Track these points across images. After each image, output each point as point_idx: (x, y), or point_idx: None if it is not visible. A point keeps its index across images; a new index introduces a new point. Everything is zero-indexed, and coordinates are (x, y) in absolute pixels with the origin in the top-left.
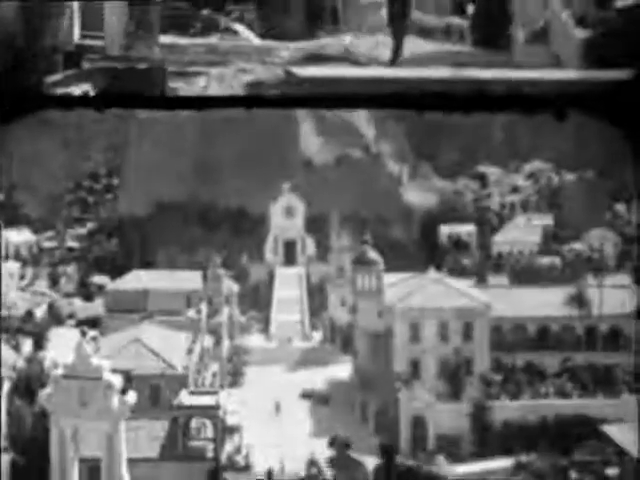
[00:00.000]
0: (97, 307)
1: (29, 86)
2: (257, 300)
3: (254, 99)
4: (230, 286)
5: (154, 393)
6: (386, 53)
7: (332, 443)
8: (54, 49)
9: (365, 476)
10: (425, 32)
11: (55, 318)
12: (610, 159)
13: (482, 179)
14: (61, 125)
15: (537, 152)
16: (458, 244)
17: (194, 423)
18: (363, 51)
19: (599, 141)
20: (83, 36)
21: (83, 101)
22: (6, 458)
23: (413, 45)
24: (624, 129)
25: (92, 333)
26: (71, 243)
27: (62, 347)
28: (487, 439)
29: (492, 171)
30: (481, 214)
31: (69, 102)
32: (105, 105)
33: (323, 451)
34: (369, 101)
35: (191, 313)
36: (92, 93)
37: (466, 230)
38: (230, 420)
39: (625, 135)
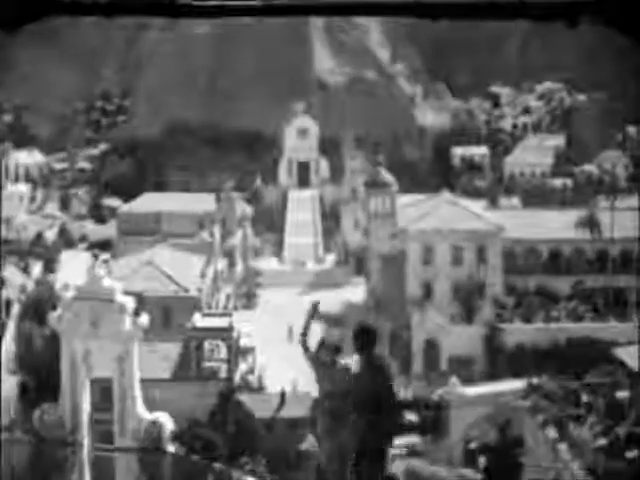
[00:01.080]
0: (109, 230)
1: None
2: (271, 223)
3: (269, 7)
4: (243, 208)
5: (167, 315)
6: None
7: (321, 345)
8: None
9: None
10: None
11: (66, 241)
12: (622, 81)
13: (495, 99)
14: (72, 45)
15: (549, 72)
16: (471, 165)
17: (207, 345)
18: None
19: (611, 62)
20: None
21: (93, 8)
22: (16, 380)
23: None
24: (636, 38)
25: (104, 256)
26: (82, 164)
27: (73, 270)
28: (499, 361)
29: (505, 91)
30: (494, 135)
31: (78, 8)
32: (116, 12)
33: None
34: (383, 8)
35: (204, 235)
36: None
37: (479, 152)
38: (243, 342)
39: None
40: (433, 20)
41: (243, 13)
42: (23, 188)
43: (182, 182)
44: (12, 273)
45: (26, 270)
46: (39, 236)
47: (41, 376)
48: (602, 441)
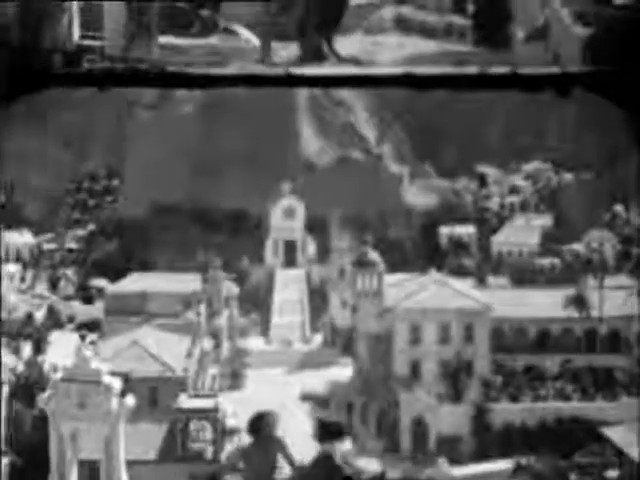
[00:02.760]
0: (96, 310)
1: (33, 64)
2: (257, 302)
3: (257, 77)
4: (230, 288)
5: (153, 396)
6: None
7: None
8: (53, 49)
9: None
10: (426, 31)
11: (55, 321)
12: (609, 159)
13: (481, 179)
14: (60, 125)
15: (535, 152)
16: (458, 245)
17: (193, 426)
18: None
19: (597, 142)
20: (82, 36)
21: (87, 79)
22: (5, 461)
23: (414, 45)
24: (628, 109)
25: (91, 336)
26: (71, 245)
27: (62, 350)
28: (487, 441)
29: (491, 171)
30: (481, 215)
31: (72, 79)
32: (109, 83)
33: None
34: (371, 81)
35: (190, 315)
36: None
37: (466, 231)
38: (229, 422)
39: (629, 117)
40: (424, 91)
41: (232, 83)
42: (13, 268)
43: (168, 261)
44: (2, 354)
45: (16, 351)
46: (29, 316)
47: (30, 457)
48: None
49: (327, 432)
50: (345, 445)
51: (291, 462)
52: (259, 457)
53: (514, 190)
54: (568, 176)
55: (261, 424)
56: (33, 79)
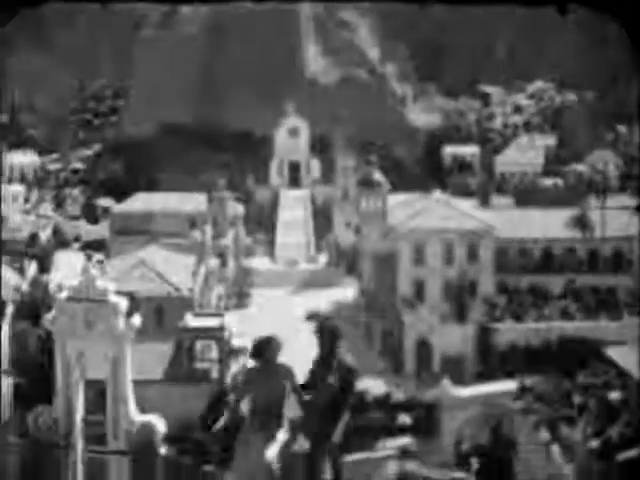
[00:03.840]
0: (102, 230)
1: None
2: (262, 222)
3: None
4: (235, 208)
5: (159, 315)
6: None
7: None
8: None
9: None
10: None
11: (60, 241)
12: (610, 79)
13: (485, 99)
14: (65, 46)
15: (539, 71)
16: (462, 165)
17: (199, 345)
18: None
19: (599, 61)
20: None
21: None
22: (10, 381)
23: None
24: (626, 20)
25: (97, 256)
26: (76, 165)
27: (67, 270)
28: (491, 361)
29: (495, 91)
30: (484, 134)
31: None
32: None
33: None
34: None
35: (196, 235)
36: None
37: (470, 151)
38: (235, 342)
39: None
40: (423, 4)
41: None
42: (18, 188)
43: (174, 181)
44: (6, 274)
45: (21, 270)
46: (33, 236)
47: (35, 377)
48: (594, 443)
49: (326, 335)
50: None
51: (296, 390)
52: (263, 382)
53: (517, 110)
54: (571, 96)
55: (264, 349)
56: None
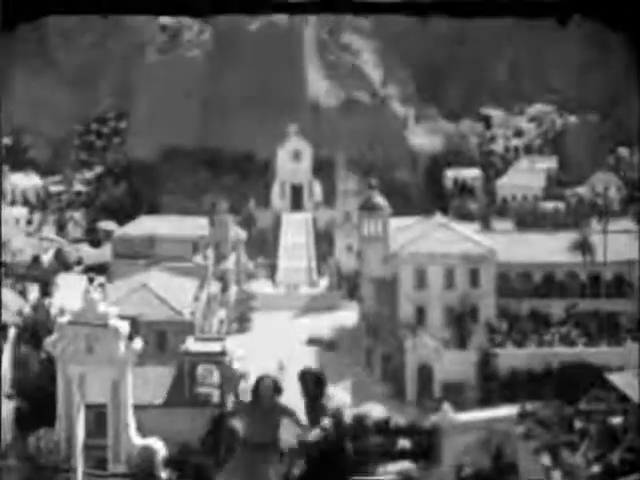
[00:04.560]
0: (104, 253)
1: None
2: (264, 246)
3: (258, 2)
4: (237, 232)
5: (160, 339)
6: None
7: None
8: None
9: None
10: None
11: (62, 264)
12: (612, 101)
13: (486, 121)
14: (68, 68)
15: (539, 94)
16: (463, 188)
17: (200, 369)
18: None
19: (601, 83)
20: None
21: (91, 5)
22: (11, 404)
23: None
24: (629, 33)
25: (99, 279)
26: (78, 187)
27: (69, 293)
28: (492, 387)
29: (496, 113)
30: (486, 157)
31: (75, 4)
32: (111, 10)
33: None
34: (376, 6)
35: (198, 259)
36: None
37: (471, 174)
38: (236, 366)
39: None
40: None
41: (237, 10)
42: (20, 211)
43: (176, 205)
44: (9, 296)
45: (23, 293)
46: (36, 259)
47: (37, 401)
48: (596, 468)
49: (312, 382)
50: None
51: (299, 424)
52: (258, 420)
53: (519, 133)
54: (572, 118)
55: (257, 387)
56: (32, 3)
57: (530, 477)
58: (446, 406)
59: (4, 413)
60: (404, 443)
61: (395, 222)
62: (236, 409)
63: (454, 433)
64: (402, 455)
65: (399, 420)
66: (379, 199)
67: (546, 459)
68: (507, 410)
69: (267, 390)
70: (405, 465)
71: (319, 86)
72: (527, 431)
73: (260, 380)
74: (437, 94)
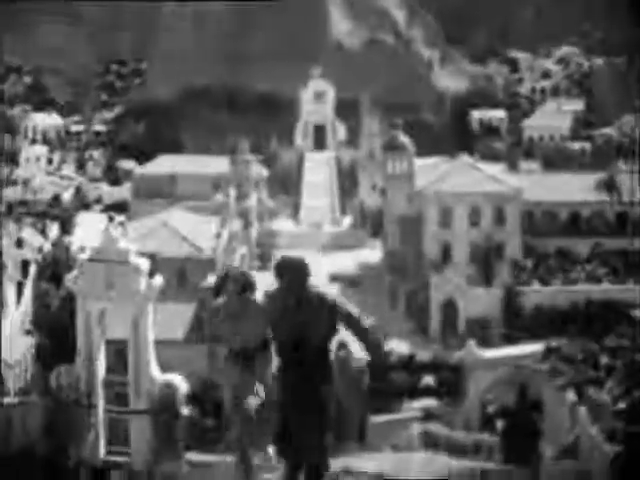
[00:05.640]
0: (124, 192)
1: None
2: (286, 185)
3: None
4: (259, 171)
5: (181, 276)
6: None
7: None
8: (79, 464)
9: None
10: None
11: (82, 202)
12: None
13: (513, 64)
14: (89, 9)
15: (566, 36)
16: (489, 129)
17: None
18: None
19: (629, 24)
20: (109, 452)
21: None
22: (32, 341)
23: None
24: None
25: (119, 218)
26: (98, 127)
27: (89, 231)
28: (517, 324)
29: (523, 56)
30: (512, 99)
31: None
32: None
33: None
34: None
35: (219, 197)
36: None
37: (497, 115)
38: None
39: None
40: None
41: None
42: (41, 150)
43: (197, 144)
44: (29, 234)
45: (43, 231)
46: (56, 198)
47: (57, 337)
48: (621, 404)
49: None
50: None
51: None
52: (232, 321)
53: (545, 75)
54: (599, 61)
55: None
56: None
57: (555, 414)
58: (471, 342)
59: (25, 350)
60: (428, 380)
61: (420, 162)
62: (210, 313)
63: (479, 370)
64: (426, 392)
65: (423, 356)
66: (403, 138)
67: (572, 396)
68: (532, 347)
69: (235, 283)
70: (429, 402)
71: (342, 27)
72: (552, 368)
73: (227, 274)
74: (463, 37)
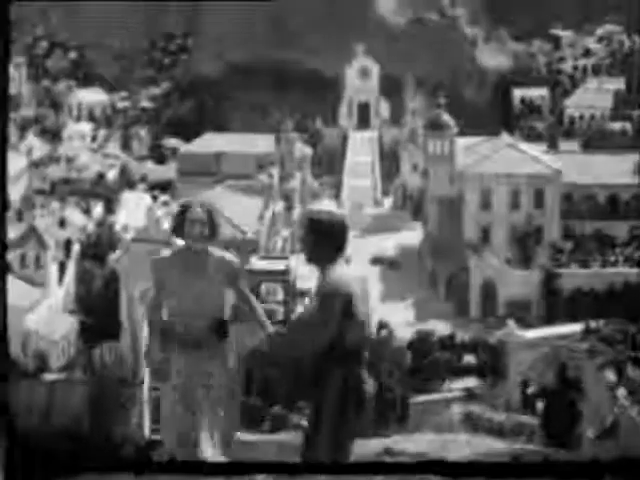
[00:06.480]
0: (169, 170)
1: None
2: (330, 165)
3: None
4: (303, 150)
5: None
6: None
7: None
8: (123, 443)
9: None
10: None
11: (126, 181)
12: None
13: (555, 42)
14: None
15: (609, 14)
16: (531, 108)
17: (264, 287)
18: None
19: None
20: (153, 430)
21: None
22: (76, 319)
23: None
24: None
25: (163, 197)
26: (144, 104)
27: (133, 211)
28: (556, 305)
29: (565, 34)
30: (554, 77)
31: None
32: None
33: (393, 314)
34: None
35: (263, 177)
36: None
37: (539, 93)
38: (300, 284)
39: None
40: None
41: None
42: (85, 127)
43: (242, 122)
44: (73, 213)
45: (87, 211)
46: (100, 176)
47: (100, 316)
48: None
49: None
50: None
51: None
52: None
53: (587, 53)
54: (639, 39)
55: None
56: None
57: (595, 393)
58: (511, 323)
59: (69, 328)
60: (469, 359)
61: (461, 141)
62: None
63: (519, 350)
64: (467, 371)
65: (464, 336)
66: (446, 117)
67: (611, 375)
68: (571, 327)
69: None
70: (471, 381)
71: (387, 4)
72: (591, 348)
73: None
74: (506, 15)
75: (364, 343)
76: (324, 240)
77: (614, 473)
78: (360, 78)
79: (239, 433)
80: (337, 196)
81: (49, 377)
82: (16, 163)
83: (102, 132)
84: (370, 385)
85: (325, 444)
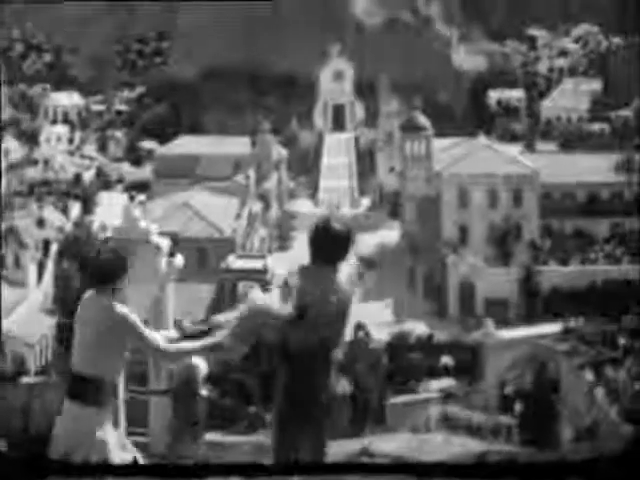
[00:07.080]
0: (146, 172)
1: None
2: (306, 166)
3: None
4: (279, 151)
5: (202, 256)
6: None
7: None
8: None
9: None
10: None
11: (103, 182)
12: None
13: (531, 42)
14: None
15: (585, 15)
16: (507, 109)
17: (241, 286)
18: None
19: None
20: (128, 433)
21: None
22: (53, 321)
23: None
24: None
25: (140, 198)
26: (120, 107)
27: (110, 211)
28: (535, 304)
29: (541, 34)
30: (530, 78)
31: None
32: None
33: (371, 315)
34: None
35: (239, 178)
36: None
37: (515, 95)
38: (277, 283)
39: None
40: None
41: None
42: (62, 129)
43: (218, 125)
44: (51, 214)
45: (65, 211)
46: (77, 177)
47: None
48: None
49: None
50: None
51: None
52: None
53: (563, 53)
54: (617, 40)
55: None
56: None
57: (573, 394)
58: (489, 322)
59: (46, 329)
60: (447, 360)
61: (438, 143)
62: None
63: (497, 350)
64: (445, 372)
65: (441, 337)
66: (422, 119)
67: (590, 375)
68: (550, 327)
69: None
70: (448, 382)
71: (362, 5)
72: (570, 348)
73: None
74: (481, 15)
75: (316, 345)
76: (330, 247)
77: (591, 473)
78: (335, 80)
79: (210, 435)
80: (313, 196)
81: (27, 380)
82: None
83: (78, 134)
84: (343, 386)
85: (275, 443)
